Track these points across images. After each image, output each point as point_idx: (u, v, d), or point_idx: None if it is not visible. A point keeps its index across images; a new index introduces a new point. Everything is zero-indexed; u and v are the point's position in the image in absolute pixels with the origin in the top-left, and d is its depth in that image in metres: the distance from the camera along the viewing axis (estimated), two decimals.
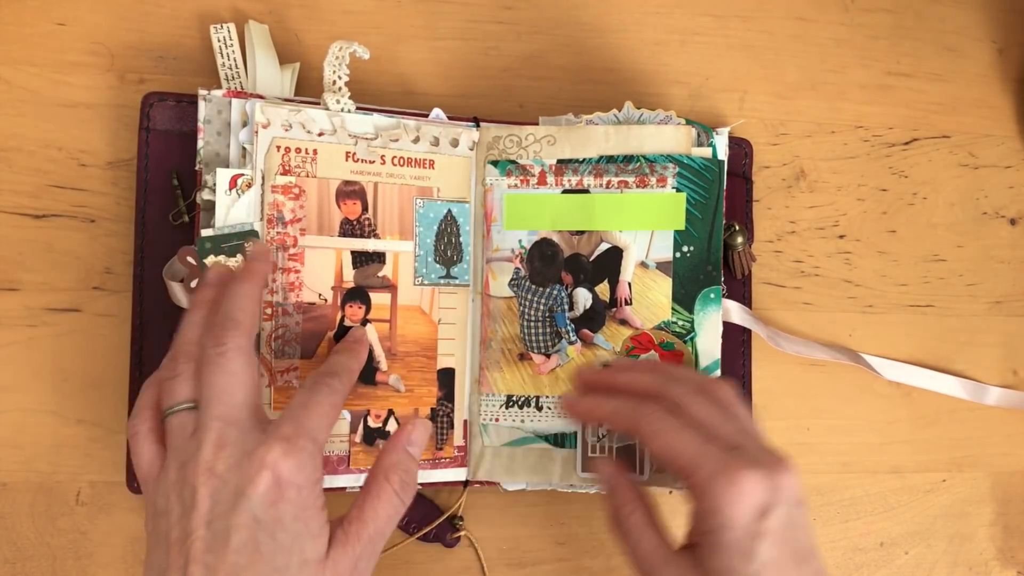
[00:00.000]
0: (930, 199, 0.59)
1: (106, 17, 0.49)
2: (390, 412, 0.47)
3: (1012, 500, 0.59)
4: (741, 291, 0.54)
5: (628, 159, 0.49)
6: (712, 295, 0.49)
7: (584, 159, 0.49)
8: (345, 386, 0.39)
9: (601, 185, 0.49)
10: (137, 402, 0.39)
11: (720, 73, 0.57)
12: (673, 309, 0.49)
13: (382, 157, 0.47)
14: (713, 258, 0.49)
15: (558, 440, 0.49)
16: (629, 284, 0.49)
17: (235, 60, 0.48)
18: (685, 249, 0.49)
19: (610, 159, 0.49)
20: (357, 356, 0.42)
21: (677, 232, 0.49)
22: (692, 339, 0.49)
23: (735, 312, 0.53)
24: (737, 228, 0.52)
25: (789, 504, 0.38)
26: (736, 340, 0.54)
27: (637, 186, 0.49)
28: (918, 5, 0.60)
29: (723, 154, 0.51)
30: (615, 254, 0.49)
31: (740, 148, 0.55)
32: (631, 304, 0.49)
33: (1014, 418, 0.59)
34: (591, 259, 0.49)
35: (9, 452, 0.47)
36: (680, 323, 0.49)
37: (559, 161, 0.49)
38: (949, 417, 0.58)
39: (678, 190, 0.49)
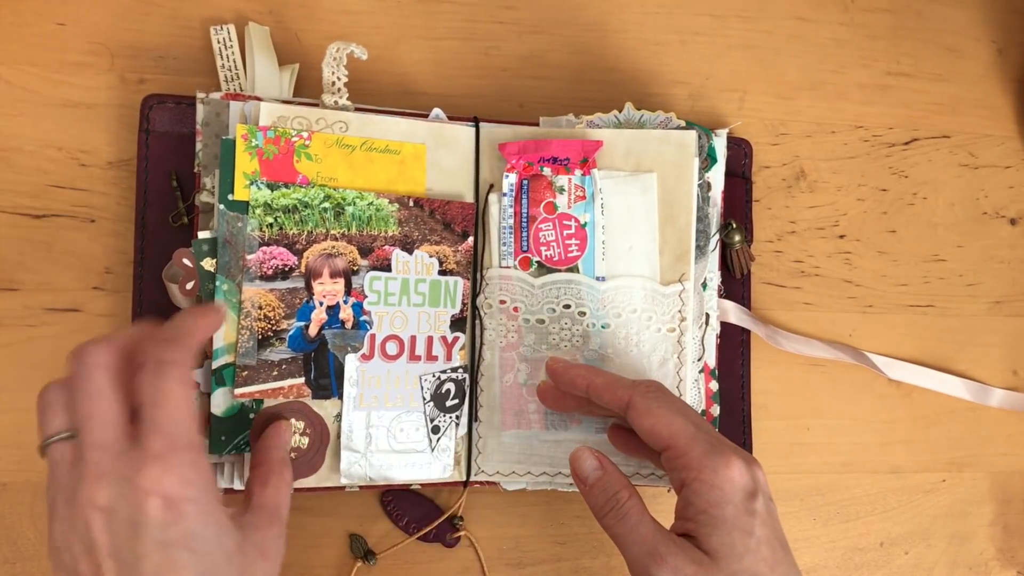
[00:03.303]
0: (930, 199, 0.59)
1: (106, 17, 0.49)
2: None
3: (1012, 500, 0.59)
4: (740, 291, 0.54)
5: None
6: None
7: None
8: (188, 354, 0.36)
9: None
10: None
11: (720, 73, 0.57)
12: None
13: None
14: None
15: None
16: None
17: (235, 62, 0.48)
18: None
19: None
20: (207, 318, 0.39)
21: None
22: None
23: (732, 312, 0.53)
24: (735, 226, 0.52)
25: (766, 494, 0.41)
26: (735, 340, 0.54)
27: None
28: (918, 5, 0.60)
29: (722, 155, 0.51)
30: None
31: (740, 148, 0.55)
32: None
33: (1014, 418, 0.59)
34: None
35: (9, 452, 0.47)
36: None
37: None
38: (949, 417, 0.58)
39: None
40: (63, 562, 0.34)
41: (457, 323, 0.48)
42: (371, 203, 0.46)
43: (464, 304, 0.48)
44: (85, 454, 0.34)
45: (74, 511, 0.33)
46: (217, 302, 0.44)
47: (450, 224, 0.48)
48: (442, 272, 0.47)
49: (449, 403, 0.48)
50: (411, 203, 0.47)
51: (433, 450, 0.47)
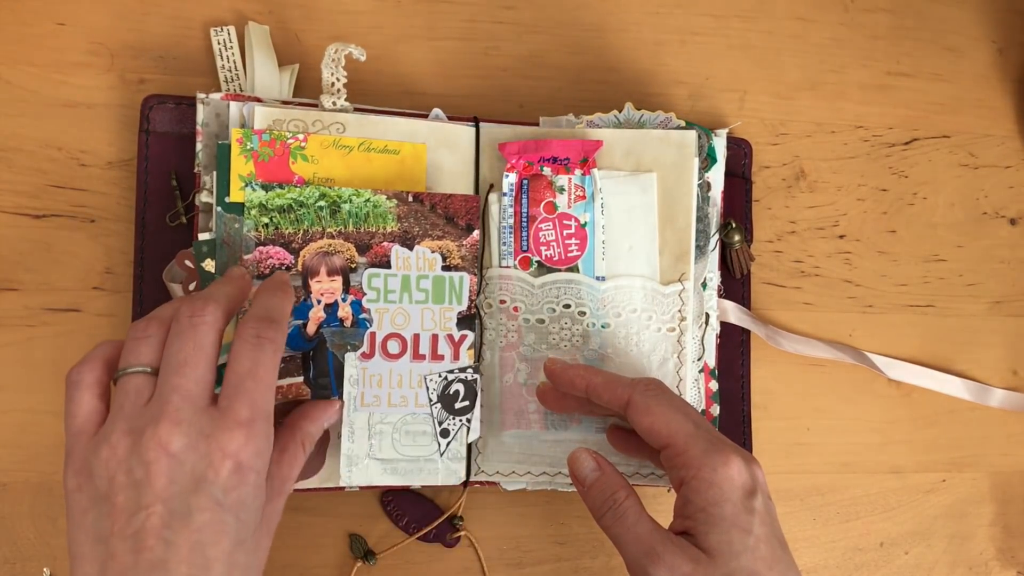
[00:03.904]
0: (930, 199, 0.59)
1: (106, 17, 0.50)
2: None
3: (1012, 500, 0.59)
4: (740, 291, 0.54)
5: None
6: None
7: None
8: (284, 336, 0.39)
9: None
10: (88, 353, 0.37)
11: (720, 73, 0.57)
12: None
13: None
14: None
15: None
16: None
17: (235, 62, 0.48)
18: None
19: None
20: (289, 298, 0.41)
21: None
22: None
23: (732, 312, 0.53)
24: (734, 226, 0.52)
25: (764, 493, 0.41)
26: (735, 340, 0.54)
27: None
28: (918, 5, 0.60)
29: (722, 155, 0.51)
30: None
31: (740, 148, 0.55)
32: None
33: (1014, 418, 0.59)
34: None
35: (9, 452, 0.47)
36: None
37: None
38: (949, 417, 0.58)
39: None
40: (94, 487, 0.34)
41: (464, 320, 0.47)
42: (368, 200, 0.46)
43: (471, 301, 0.48)
44: (170, 397, 0.35)
45: (136, 445, 0.34)
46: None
47: (453, 218, 0.47)
48: (446, 268, 0.47)
49: (459, 405, 0.47)
50: (410, 198, 0.46)
51: (442, 455, 0.47)
